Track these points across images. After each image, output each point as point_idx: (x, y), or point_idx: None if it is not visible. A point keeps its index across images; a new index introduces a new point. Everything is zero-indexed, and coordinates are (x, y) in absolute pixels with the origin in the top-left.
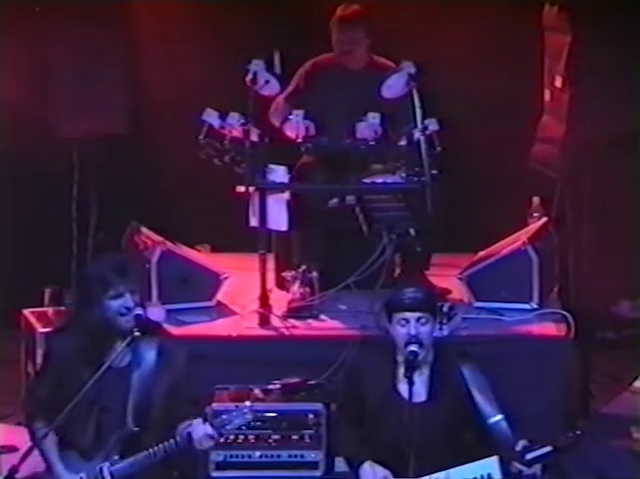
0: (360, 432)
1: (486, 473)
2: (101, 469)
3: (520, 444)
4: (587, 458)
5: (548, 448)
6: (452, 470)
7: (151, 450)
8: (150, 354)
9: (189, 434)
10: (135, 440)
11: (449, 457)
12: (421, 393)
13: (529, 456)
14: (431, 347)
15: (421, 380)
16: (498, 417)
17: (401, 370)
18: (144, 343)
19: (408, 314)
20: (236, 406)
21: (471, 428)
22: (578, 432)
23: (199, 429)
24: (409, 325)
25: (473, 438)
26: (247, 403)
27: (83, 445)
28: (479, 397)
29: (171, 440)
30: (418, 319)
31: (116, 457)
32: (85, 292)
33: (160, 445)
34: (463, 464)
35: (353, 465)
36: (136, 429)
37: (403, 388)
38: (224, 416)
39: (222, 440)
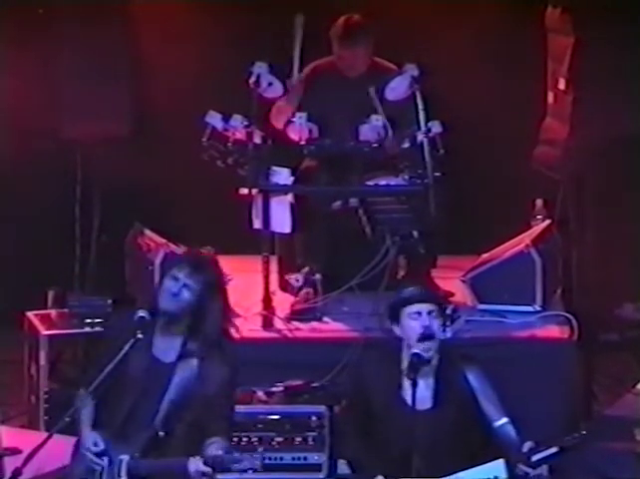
0: (365, 437)
1: (493, 476)
2: (120, 462)
3: (526, 446)
4: (590, 460)
5: (554, 449)
6: (458, 474)
7: (168, 460)
8: (198, 358)
9: (185, 465)
10: (160, 442)
11: (455, 462)
12: (426, 400)
13: (535, 457)
14: (435, 351)
15: (426, 387)
16: (504, 420)
17: (405, 376)
18: (197, 345)
19: (419, 306)
20: (251, 455)
21: (477, 432)
22: (584, 432)
23: (193, 465)
24: (421, 318)
25: (479, 442)
26: (260, 449)
27: (111, 428)
28: (484, 401)
29: (184, 459)
30: (429, 312)
31: (137, 454)
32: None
33: (176, 459)
34: (469, 468)
35: (356, 470)
36: (161, 434)
37: (408, 394)
38: (236, 455)
39: None
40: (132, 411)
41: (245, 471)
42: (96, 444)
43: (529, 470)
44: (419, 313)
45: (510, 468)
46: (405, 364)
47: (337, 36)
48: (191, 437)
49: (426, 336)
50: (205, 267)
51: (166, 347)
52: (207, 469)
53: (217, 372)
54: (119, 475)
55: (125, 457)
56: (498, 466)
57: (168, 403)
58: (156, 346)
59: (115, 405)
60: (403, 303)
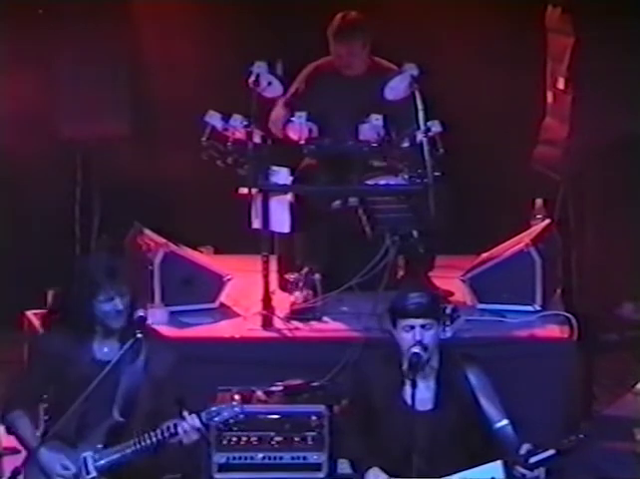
0: (366, 438)
1: (490, 477)
2: (85, 459)
3: (524, 448)
4: (590, 460)
5: (551, 452)
6: (456, 475)
7: (135, 440)
8: (138, 352)
9: (176, 426)
10: (120, 431)
11: (455, 462)
12: (427, 402)
13: (533, 460)
14: (436, 352)
15: (427, 388)
16: (504, 422)
17: (405, 377)
18: (133, 341)
19: (412, 321)
20: (230, 405)
21: (477, 433)
22: (581, 436)
23: (188, 421)
24: (413, 331)
25: (479, 443)
26: (237, 396)
27: (66, 434)
28: (485, 403)
29: (158, 430)
30: (423, 326)
31: (99, 446)
32: (76, 292)
33: (146, 436)
34: (468, 468)
35: (358, 469)
36: (121, 420)
37: (409, 395)
38: (213, 409)
39: (225, 442)
40: (85, 414)
41: (228, 421)
42: (66, 468)
43: (526, 472)
44: (412, 327)
45: (508, 469)
46: (405, 365)
47: (333, 32)
48: (149, 425)
49: (415, 347)
50: (117, 265)
51: (109, 349)
52: (201, 425)
53: (163, 356)
54: (87, 473)
55: (87, 454)
56: (496, 467)
57: (121, 398)
58: (97, 351)
59: (66, 414)
60: (397, 315)
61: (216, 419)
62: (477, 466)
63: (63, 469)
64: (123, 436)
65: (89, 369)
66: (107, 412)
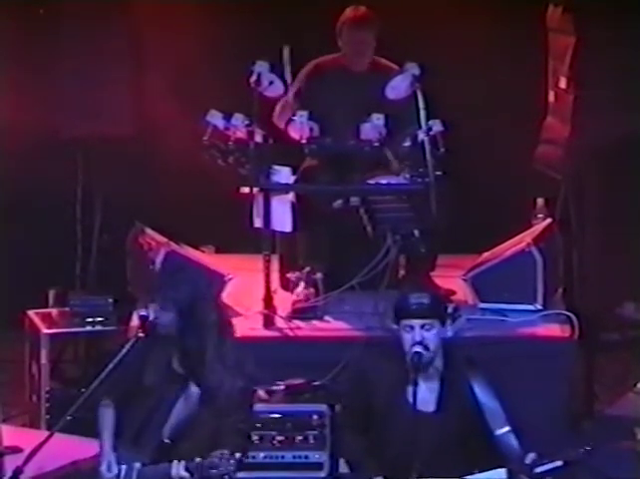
0: (366, 439)
1: None
2: (131, 469)
3: (530, 457)
4: (591, 459)
5: (558, 462)
6: None
7: (157, 466)
8: (215, 364)
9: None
10: (169, 451)
11: (457, 467)
12: (430, 403)
13: (539, 470)
14: (439, 353)
15: (430, 389)
16: (506, 429)
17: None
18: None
19: (412, 321)
20: (222, 454)
21: (479, 439)
22: (589, 448)
23: (174, 470)
24: (413, 332)
25: (480, 448)
26: (237, 455)
27: (126, 437)
28: (487, 409)
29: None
30: (422, 326)
31: (147, 462)
32: None
33: (162, 465)
34: (471, 475)
35: (356, 470)
36: (167, 441)
37: (411, 395)
38: (215, 460)
39: None
40: (146, 420)
41: (222, 477)
42: (109, 469)
43: None
44: (411, 327)
45: (512, 477)
46: (408, 364)
47: (348, 21)
48: (199, 449)
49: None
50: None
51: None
52: (187, 475)
53: (231, 377)
54: None
55: (137, 465)
56: (500, 475)
57: (181, 414)
58: (174, 361)
59: (131, 414)
60: (399, 315)
61: (213, 471)
62: (479, 472)
63: (107, 468)
64: (172, 456)
65: (162, 378)
66: (161, 428)
